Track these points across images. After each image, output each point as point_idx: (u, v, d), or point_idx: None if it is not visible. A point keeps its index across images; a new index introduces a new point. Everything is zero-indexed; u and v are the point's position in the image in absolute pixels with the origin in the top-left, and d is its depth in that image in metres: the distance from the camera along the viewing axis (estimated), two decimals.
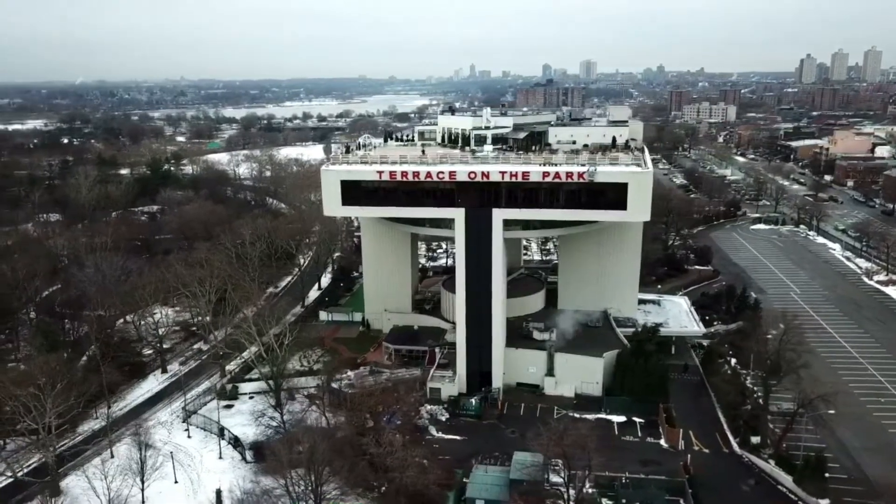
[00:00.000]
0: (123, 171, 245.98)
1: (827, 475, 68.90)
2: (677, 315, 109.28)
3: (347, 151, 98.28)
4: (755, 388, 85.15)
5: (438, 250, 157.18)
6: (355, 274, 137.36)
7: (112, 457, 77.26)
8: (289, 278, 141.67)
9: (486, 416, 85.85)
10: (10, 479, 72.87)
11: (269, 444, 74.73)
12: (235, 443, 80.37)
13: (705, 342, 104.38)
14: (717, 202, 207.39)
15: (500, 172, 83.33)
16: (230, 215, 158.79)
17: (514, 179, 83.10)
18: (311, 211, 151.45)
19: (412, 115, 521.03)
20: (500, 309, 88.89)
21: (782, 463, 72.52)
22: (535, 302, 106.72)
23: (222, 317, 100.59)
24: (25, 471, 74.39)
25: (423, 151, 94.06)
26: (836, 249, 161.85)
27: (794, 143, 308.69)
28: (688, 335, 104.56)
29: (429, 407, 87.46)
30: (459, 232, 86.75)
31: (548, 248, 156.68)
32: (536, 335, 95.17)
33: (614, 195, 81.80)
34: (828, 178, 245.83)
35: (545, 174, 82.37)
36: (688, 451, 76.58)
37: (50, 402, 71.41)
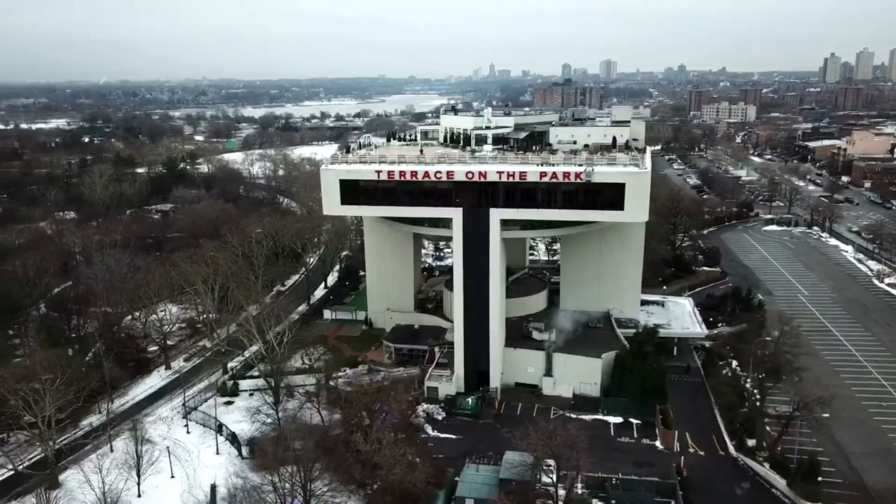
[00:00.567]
0: (140, 170, 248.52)
1: (820, 479, 68.25)
2: (680, 316, 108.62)
3: (348, 151, 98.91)
4: (753, 391, 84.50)
5: (446, 250, 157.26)
6: (361, 273, 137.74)
7: (112, 451, 78.49)
8: (296, 277, 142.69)
9: (483, 415, 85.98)
10: (11, 472, 74.38)
11: (259, 441, 75.54)
12: (233, 439, 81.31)
13: (708, 344, 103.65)
14: (730, 203, 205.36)
15: (498, 172, 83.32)
16: (239, 214, 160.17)
17: (511, 179, 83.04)
18: (321, 210, 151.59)
19: (429, 115, 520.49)
20: (497, 308, 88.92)
21: (777, 466, 71.91)
22: (537, 302, 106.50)
23: (225, 314, 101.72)
24: (27, 464, 76.08)
25: (422, 151, 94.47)
26: (848, 251, 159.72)
27: (811, 144, 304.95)
28: (690, 337, 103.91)
29: (426, 406, 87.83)
30: (457, 232, 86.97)
31: (555, 248, 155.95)
32: (536, 335, 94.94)
33: (612, 195, 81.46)
34: (845, 179, 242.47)
35: (542, 174, 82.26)
36: (683, 453, 76.29)
37: (49, 397, 72.75)
